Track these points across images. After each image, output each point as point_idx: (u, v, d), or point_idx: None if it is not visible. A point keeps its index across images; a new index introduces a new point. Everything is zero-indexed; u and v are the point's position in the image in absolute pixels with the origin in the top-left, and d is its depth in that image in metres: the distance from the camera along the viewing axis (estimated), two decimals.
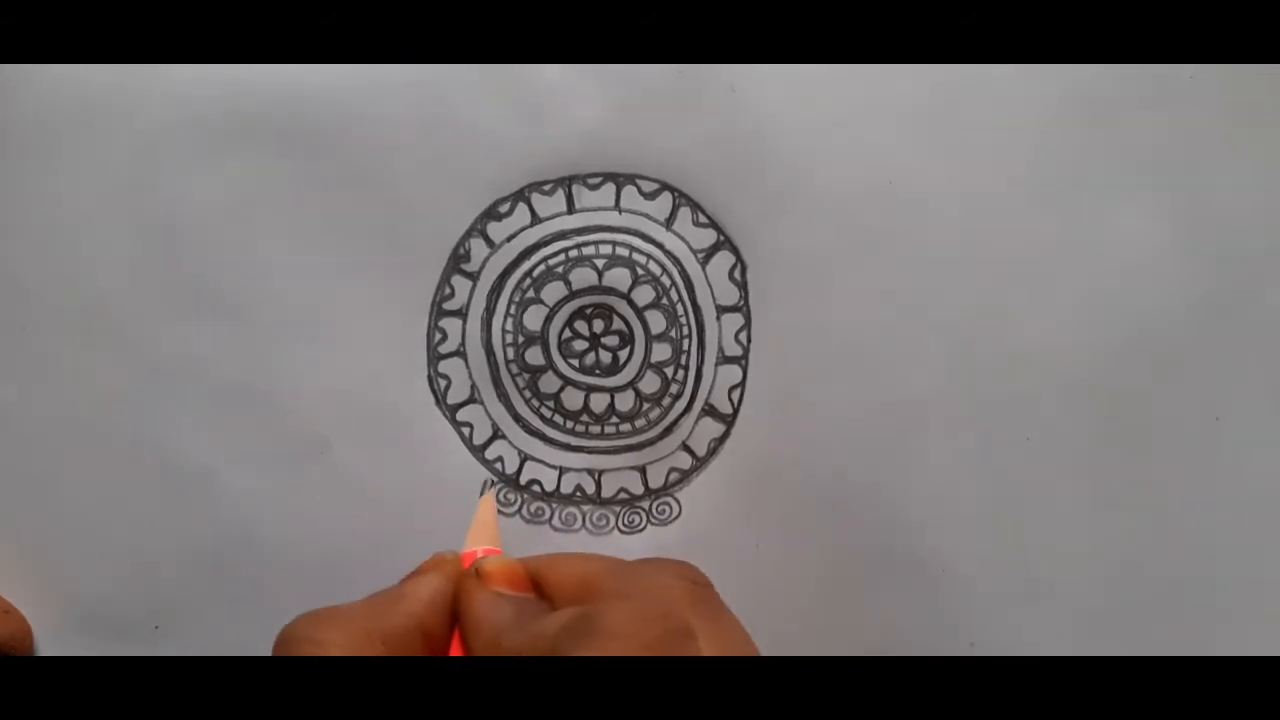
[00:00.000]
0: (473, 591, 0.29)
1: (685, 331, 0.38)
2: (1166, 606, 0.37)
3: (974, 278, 0.38)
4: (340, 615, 0.28)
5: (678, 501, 0.38)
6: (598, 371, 0.38)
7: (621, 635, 0.25)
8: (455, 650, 0.29)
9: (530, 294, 0.38)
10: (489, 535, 0.32)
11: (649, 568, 0.29)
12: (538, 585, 0.30)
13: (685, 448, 0.38)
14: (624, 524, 0.38)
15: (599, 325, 0.38)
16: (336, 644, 0.28)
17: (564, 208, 0.38)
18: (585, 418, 0.38)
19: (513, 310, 0.38)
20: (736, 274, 0.38)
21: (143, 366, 0.38)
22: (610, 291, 0.38)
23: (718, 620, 0.28)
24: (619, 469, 0.38)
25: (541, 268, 0.38)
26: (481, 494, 0.38)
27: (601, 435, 0.38)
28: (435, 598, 0.29)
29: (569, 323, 0.38)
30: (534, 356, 0.38)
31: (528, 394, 0.38)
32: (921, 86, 0.37)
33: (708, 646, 0.26)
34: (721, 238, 0.38)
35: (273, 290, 0.38)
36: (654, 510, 0.38)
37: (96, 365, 0.38)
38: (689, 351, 0.38)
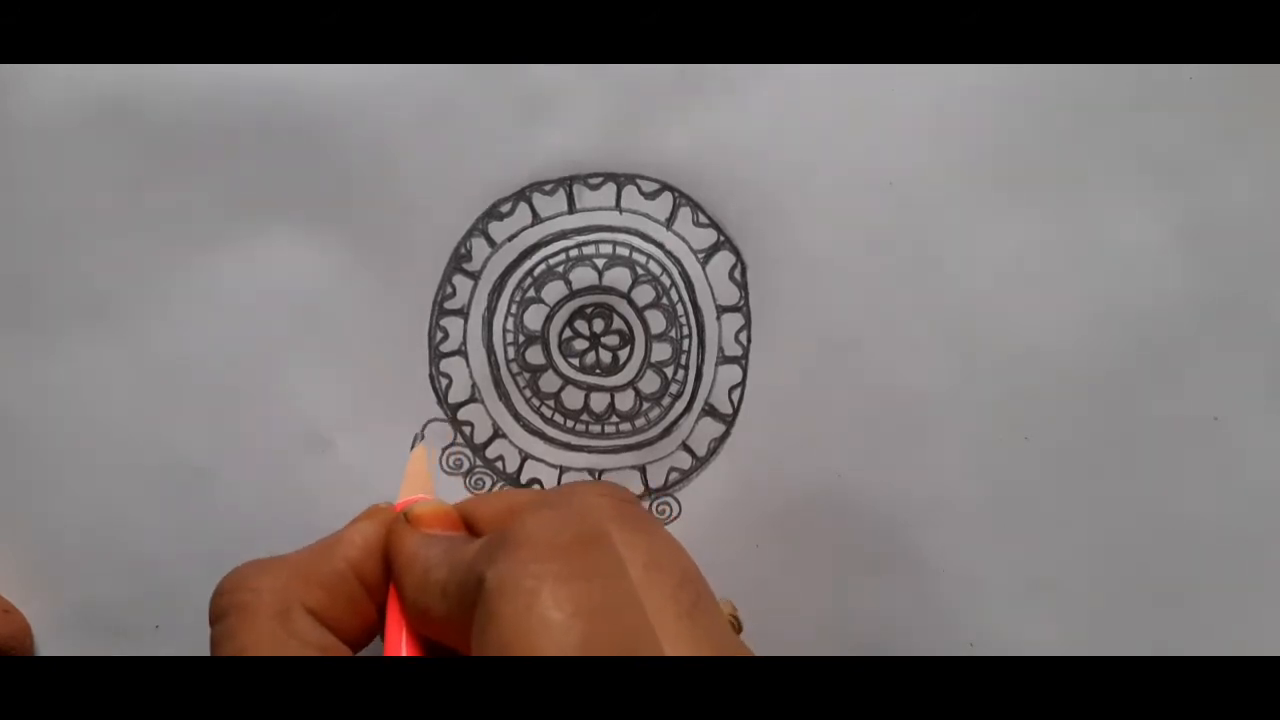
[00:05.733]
0: (404, 534, 0.29)
1: (685, 331, 0.38)
2: (1166, 606, 0.37)
3: (974, 278, 0.38)
4: (275, 564, 0.29)
5: (678, 501, 0.38)
6: (598, 371, 0.38)
7: (535, 543, 0.25)
8: (391, 595, 0.29)
9: (531, 293, 0.38)
10: (421, 484, 0.32)
11: (573, 488, 0.29)
12: (470, 525, 0.30)
13: (685, 448, 0.38)
14: None
15: (599, 325, 0.38)
16: (272, 590, 0.28)
17: (565, 207, 0.38)
18: (585, 417, 0.38)
19: (513, 309, 0.38)
20: (736, 274, 0.38)
21: (143, 366, 0.38)
22: (610, 291, 0.38)
23: (641, 532, 0.27)
24: (619, 469, 0.38)
25: (542, 267, 0.38)
26: (413, 447, 0.38)
27: (602, 435, 0.38)
28: (368, 543, 0.29)
29: (569, 322, 0.38)
30: (534, 356, 0.38)
31: (528, 393, 0.38)
32: (921, 86, 0.37)
33: (628, 555, 0.26)
34: (721, 238, 0.38)
35: (273, 290, 0.38)
36: (654, 510, 0.38)
37: (97, 365, 0.38)
38: (689, 351, 0.38)
